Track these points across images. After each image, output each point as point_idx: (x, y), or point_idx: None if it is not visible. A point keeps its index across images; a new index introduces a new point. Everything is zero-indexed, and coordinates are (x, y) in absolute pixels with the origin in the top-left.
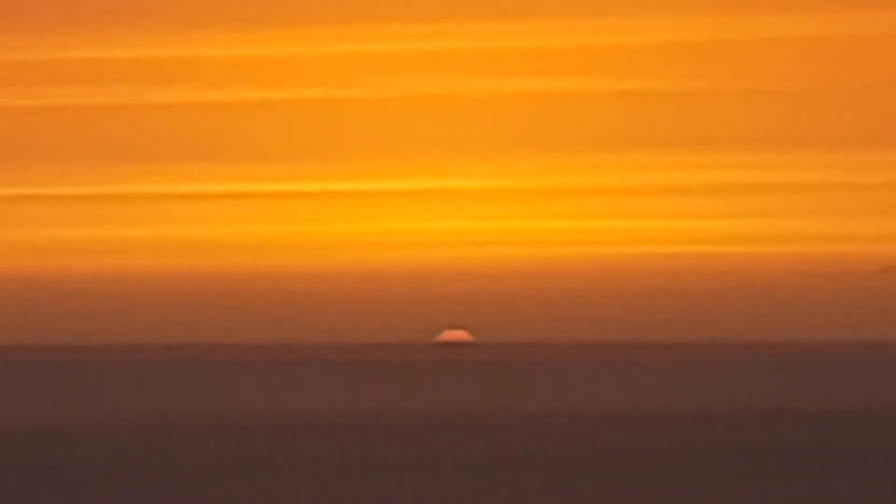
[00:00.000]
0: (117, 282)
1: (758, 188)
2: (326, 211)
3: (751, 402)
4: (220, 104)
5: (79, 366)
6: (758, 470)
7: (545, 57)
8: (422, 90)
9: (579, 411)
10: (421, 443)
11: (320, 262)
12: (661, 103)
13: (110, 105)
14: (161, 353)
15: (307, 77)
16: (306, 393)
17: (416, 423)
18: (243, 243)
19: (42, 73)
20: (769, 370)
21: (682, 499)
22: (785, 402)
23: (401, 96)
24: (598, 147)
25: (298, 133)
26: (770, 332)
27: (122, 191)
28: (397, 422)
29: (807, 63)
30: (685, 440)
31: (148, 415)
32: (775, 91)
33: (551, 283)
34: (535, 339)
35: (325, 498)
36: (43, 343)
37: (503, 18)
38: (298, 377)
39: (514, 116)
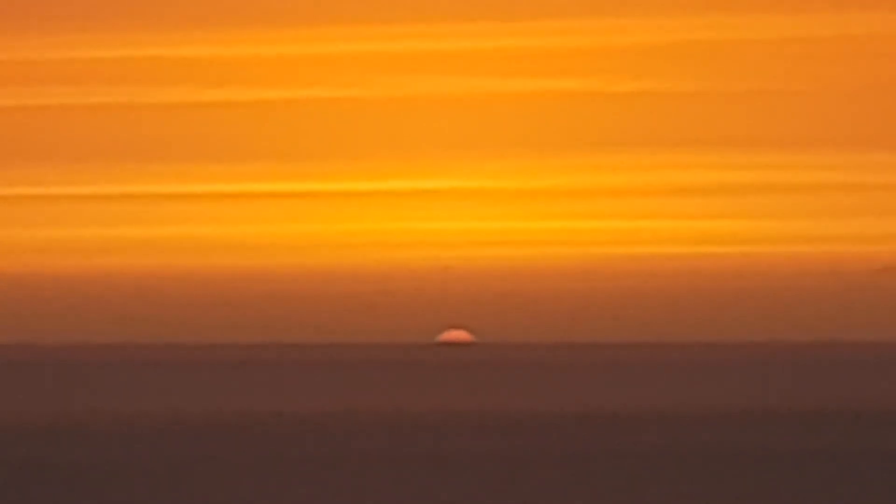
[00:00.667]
0: (119, 282)
1: (760, 188)
2: (327, 211)
3: (753, 402)
4: (221, 104)
5: (80, 365)
6: (761, 469)
7: (547, 57)
8: (423, 90)
9: (580, 411)
10: (422, 442)
11: (321, 262)
12: (663, 104)
13: (111, 104)
14: (163, 352)
15: (309, 76)
16: (308, 392)
17: (416, 422)
18: (245, 243)
19: (41, 72)
20: (770, 370)
21: (685, 498)
22: (786, 401)
23: (402, 96)
24: (601, 147)
25: (300, 133)
26: (771, 333)
27: (122, 191)
28: (398, 421)
29: (808, 63)
30: (689, 439)
31: (150, 413)
32: (776, 91)
33: (553, 283)
34: (537, 339)
35: (328, 497)
36: (43, 342)
37: (505, 18)
38: (301, 377)
39: (516, 116)
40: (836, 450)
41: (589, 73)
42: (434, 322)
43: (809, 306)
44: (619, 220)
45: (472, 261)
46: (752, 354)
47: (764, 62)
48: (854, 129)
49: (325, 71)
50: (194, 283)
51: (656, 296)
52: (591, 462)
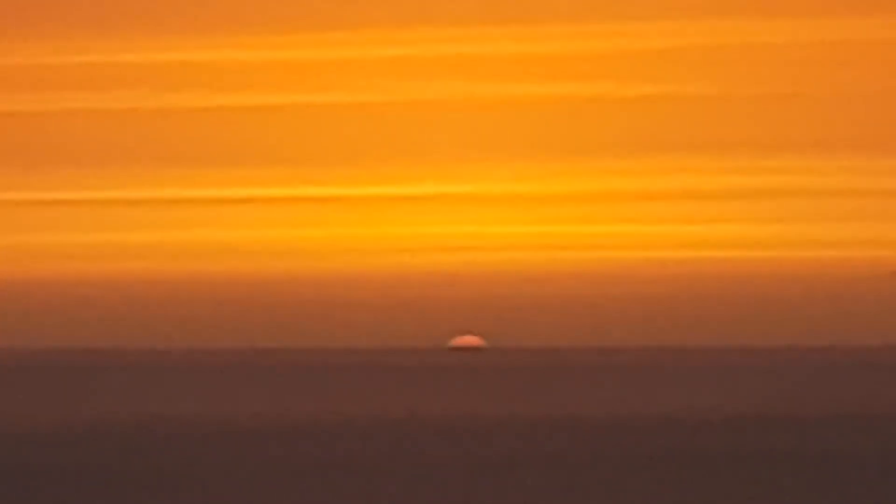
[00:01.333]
0: (128, 286)
1: (769, 193)
2: (337, 216)
3: (765, 406)
4: (227, 108)
5: (84, 368)
6: (765, 473)
7: (555, 61)
8: (431, 94)
9: (590, 415)
10: (434, 446)
11: (332, 267)
12: (671, 108)
13: (119, 109)
14: (169, 357)
15: (316, 81)
16: (320, 397)
17: (428, 426)
18: (254, 248)
19: (49, 77)
20: (779, 374)
21: (692, 501)
22: (792, 405)
23: (410, 100)
24: (609, 151)
25: (308, 137)
26: (779, 337)
27: (130, 195)
28: (410, 425)
29: (816, 68)
30: (703, 442)
31: (157, 417)
32: (783, 95)
33: (563, 287)
34: (547, 343)
35: (337, 502)
36: (48, 347)
37: (511, 23)
38: (310, 382)
39: (525, 121)
40: (843, 454)
41: (597, 78)
42: (445, 326)
43: (817, 311)
44: (628, 225)
45: (483, 265)
46: (763, 358)
47: (771, 66)
48: (862, 133)
49: (333, 76)
50: (203, 288)
51: (665, 300)
52: (601, 465)
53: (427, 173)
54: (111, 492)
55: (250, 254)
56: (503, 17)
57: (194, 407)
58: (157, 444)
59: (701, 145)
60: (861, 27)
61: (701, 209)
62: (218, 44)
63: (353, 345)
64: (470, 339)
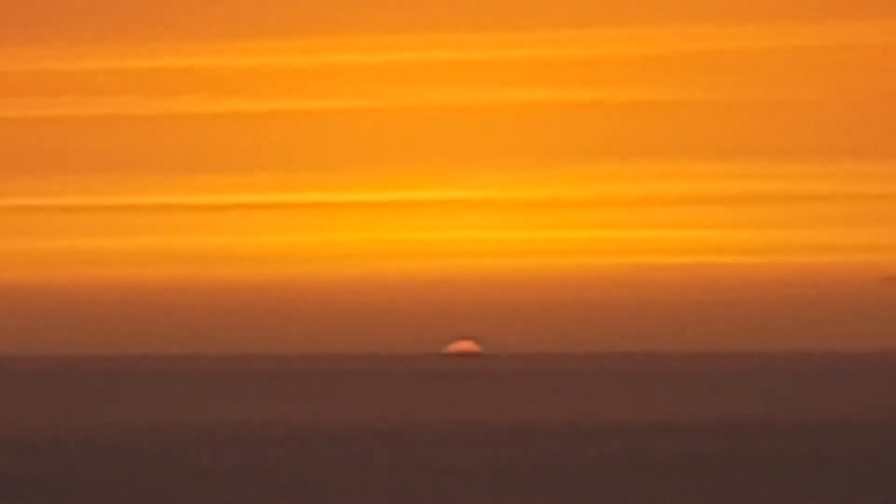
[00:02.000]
0: (122, 292)
1: (766, 198)
2: (335, 221)
3: (755, 413)
4: (228, 115)
5: (82, 376)
6: (764, 480)
7: (554, 67)
8: (431, 101)
9: (588, 421)
10: (430, 453)
11: (326, 272)
12: (667, 113)
13: (115, 115)
14: (167, 363)
15: (314, 88)
16: (314, 404)
17: (424, 433)
18: (251, 254)
19: (47, 83)
20: (773, 381)
21: None
22: (787, 412)
23: (409, 107)
24: (607, 157)
25: (307, 144)
26: (772, 343)
27: (128, 202)
28: (406, 432)
29: (811, 74)
30: (697, 449)
31: (154, 426)
32: (781, 101)
33: (559, 292)
34: (544, 349)
35: None
36: (46, 353)
37: (511, 29)
38: (306, 388)
39: (523, 127)
40: (839, 460)
41: (595, 84)
42: (442, 332)
43: (811, 316)
44: (626, 231)
45: (479, 270)
46: (756, 364)
47: (769, 72)
48: (857, 139)
49: (334, 81)
50: (202, 294)
51: (663, 305)
52: (599, 471)
53: (423, 179)
54: (110, 499)
55: (244, 259)
56: (500, 23)
57: (189, 413)
58: (152, 450)
59: (696, 151)
60: (856, 33)
61: (698, 214)
62: (214, 50)
63: (347, 350)
64: (466, 345)
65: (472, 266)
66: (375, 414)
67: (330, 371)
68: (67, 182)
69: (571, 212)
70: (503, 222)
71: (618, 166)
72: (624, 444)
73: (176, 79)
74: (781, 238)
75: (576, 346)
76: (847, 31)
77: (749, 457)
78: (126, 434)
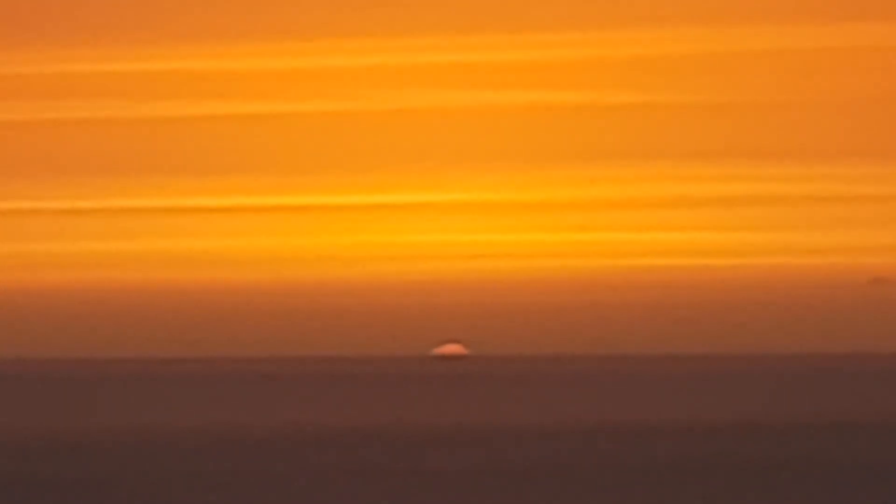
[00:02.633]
0: (117, 296)
1: (751, 200)
2: (322, 224)
3: (744, 415)
4: (216, 118)
5: (75, 380)
6: (757, 482)
7: (540, 70)
8: (421, 103)
9: (576, 424)
10: (417, 456)
11: (315, 275)
12: (660, 116)
13: (108, 119)
14: (159, 367)
15: (303, 90)
16: (301, 406)
17: (411, 436)
18: (240, 257)
19: (39, 86)
20: (761, 382)
21: None
22: (779, 414)
23: (395, 109)
24: (597, 160)
25: (294, 146)
26: (761, 345)
27: (119, 205)
28: (393, 435)
29: (800, 75)
30: (680, 452)
31: (148, 429)
32: (769, 104)
33: (548, 295)
34: (531, 351)
35: None
36: (41, 357)
37: (497, 31)
38: (294, 391)
39: (510, 129)
40: (827, 461)
41: (586, 86)
42: (428, 334)
43: (800, 318)
44: (615, 233)
45: (468, 273)
46: (744, 366)
47: (759, 74)
48: (846, 141)
49: (322, 84)
50: (190, 298)
51: (651, 307)
52: (586, 474)
53: (413, 182)
54: (109, 502)
55: (235, 262)
56: (493, 26)
57: (180, 417)
58: (148, 454)
59: (687, 153)
60: (845, 35)
61: (690, 217)
62: (207, 54)
63: (335, 353)
64: (453, 348)
65: (461, 269)
66: (363, 416)
67: (318, 374)
68: (61, 185)
69: (561, 214)
70: (493, 225)
71: (609, 169)
72: (613, 447)
73: (168, 82)
74: (774, 240)
75: (564, 349)
76: (840, 33)
77: (742, 459)
78: (121, 437)
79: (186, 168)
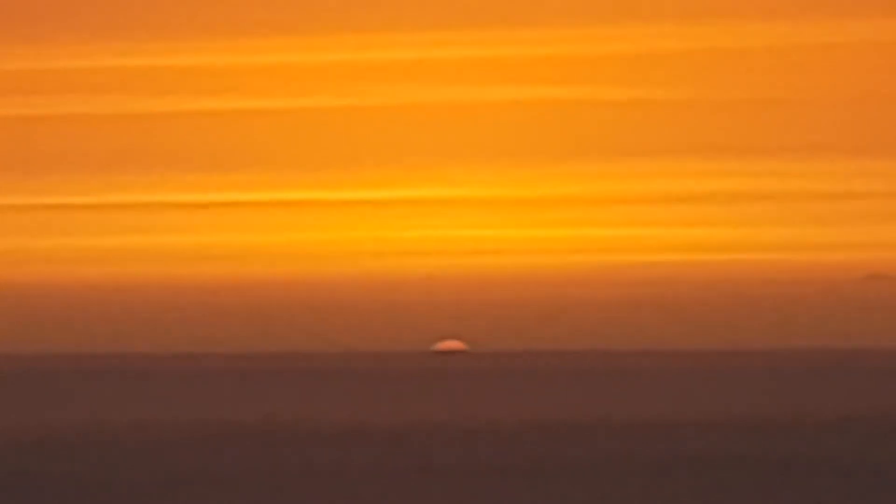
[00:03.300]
0: (117, 290)
1: (748, 196)
2: (324, 220)
3: (743, 410)
4: (219, 113)
5: (79, 373)
6: (749, 478)
7: (543, 66)
8: (420, 99)
9: (576, 419)
10: (417, 452)
11: (316, 270)
12: (659, 112)
13: (106, 114)
14: (159, 362)
15: (306, 86)
16: (300, 401)
17: (412, 431)
18: (241, 252)
19: (41, 82)
20: (759, 378)
21: None
22: (771, 410)
23: (398, 105)
24: (596, 156)
25: (297, 142)
26: (759, 340)
27: (116, 200)
28: (393, 431)
29: (801, 72)
30: (681, 448)
31: (149, 424)
32: (768, 100)
33: (547, 290)
34: (531, 347)
35: None
36: (36, 352)
37: (501, 28)
38: (294, 386)
39: (511, 125)
40: (825, 457)
41: (585, 82)
42: (429, 330)
43: (797, 313)
44: (614, 228)
45: (468, 268)
46: (742, 361)
47: (758, 71)
48: (843, 137)
49: (324, 80)
50: (192, 292)
51: (650, 303)
52: (587, 470)
53: (412, 178)
54: (103, 497)
55: (235, 258)
56: (490, 22)
57: (182, 412)
58: (147, 450)
59: (686, 149)
60: (844, 31)
61: (688, 212)
62: (203, 49)
63: (333, 348)
64: (452, 343)
65: (459, 264)
66: (362, 412)
67: (315, 369)
68: (56, 181)
69: (559, 210)
70: (492, 220)
71: (609, 165)
72: (614, 443)
73: (165, 78)
74: (771, 236)
75: (563, 344)
76: (841, 29)
77: (739, 455)
78: (117, 432)
79: (190, 164)
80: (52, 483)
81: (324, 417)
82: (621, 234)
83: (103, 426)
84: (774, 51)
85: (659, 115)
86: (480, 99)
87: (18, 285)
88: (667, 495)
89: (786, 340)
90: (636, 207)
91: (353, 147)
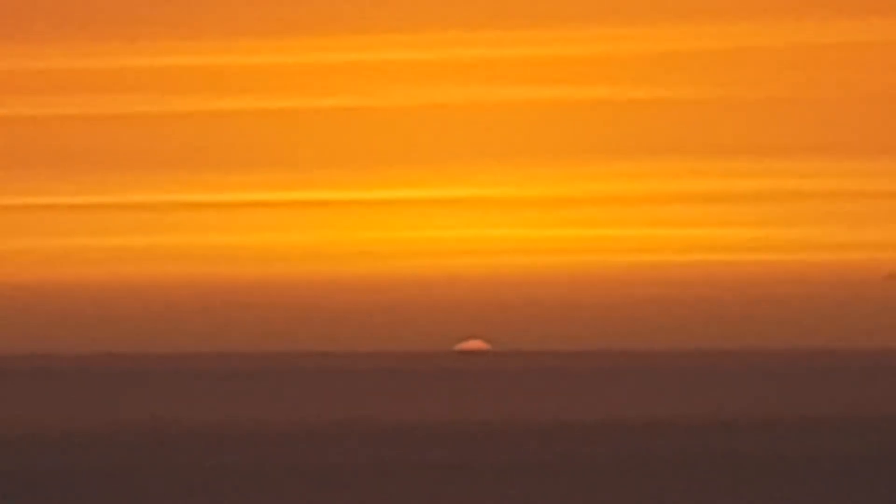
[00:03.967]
0: (130, 290)
1: (766, 196)
2: (343, 219)
3: (759, 411)
4: (233, 113)
5: (87, 374)
6: (765, 478)
7: (554, 65)
8: (435, 99)
9: (597, 419)
10: (440, 452)
11: (336, 270)
12: (672, 111)
13: (121, 114)
14: (172, 362)
15: (321, 86)
16: (323, 401)
17: (434, 432)
18: (262, 253)
19: (48, 81)
20: (777, 378)
21: None
22: (790, 410)
23: (414, 105)
24: (612, 155)
25: (315, 142)
26: (775, 341)
27: (131, 200)
28: (415, 431)
29: (811, 71)
30: (698, 447)
31: (159, 424)
32: (784, 99)
33: (568, 291)
34: (553, 347)
35: None
36: (51, 352)
37: (515, 27)
38: (316, 385)
39: (527, 125)
40: (841, 458)
41: (598, 82)
42: (450, 330)
43: (814, 314)
44: (634, 229)
45: (488, 269)
46: (759, 362)
47: (773, 70)
48: (857, 136)
49: (340, 79)
50: (210, 293)
51: (671, 302)
52: (608, 469)
53: (430, 177)
54: (111, 497)
55: (252, 258)
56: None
57: (200, 412)
58: (156, 449)
59: (702, 148)
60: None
61: (702, 212)
62: (219, 48)
63: (355, 348)
64: (475, 343)
65: (479, 264)
66: (384, 412)
67: (337, 369)
68: (73, 180)
69: (578, 209)
70: (510, 220)
71: (622, 164)
72: (633, 442)
73: (176, 77)
74: (789, 236)
75: (584, 344)
76: (849, 28)
77: (757, 455)
78: (130, 432)
79: (205, 163)
80: (61, 482)
81: (346, 417)
82: (641, 233)
83: (116, 426)
84: (797, 49)
85: (676, 115)
86: (498, 98)
87: (35, 285)
88: (691, 494)
89: (804, 341)
90: (654, 207)
91: (371, 147)
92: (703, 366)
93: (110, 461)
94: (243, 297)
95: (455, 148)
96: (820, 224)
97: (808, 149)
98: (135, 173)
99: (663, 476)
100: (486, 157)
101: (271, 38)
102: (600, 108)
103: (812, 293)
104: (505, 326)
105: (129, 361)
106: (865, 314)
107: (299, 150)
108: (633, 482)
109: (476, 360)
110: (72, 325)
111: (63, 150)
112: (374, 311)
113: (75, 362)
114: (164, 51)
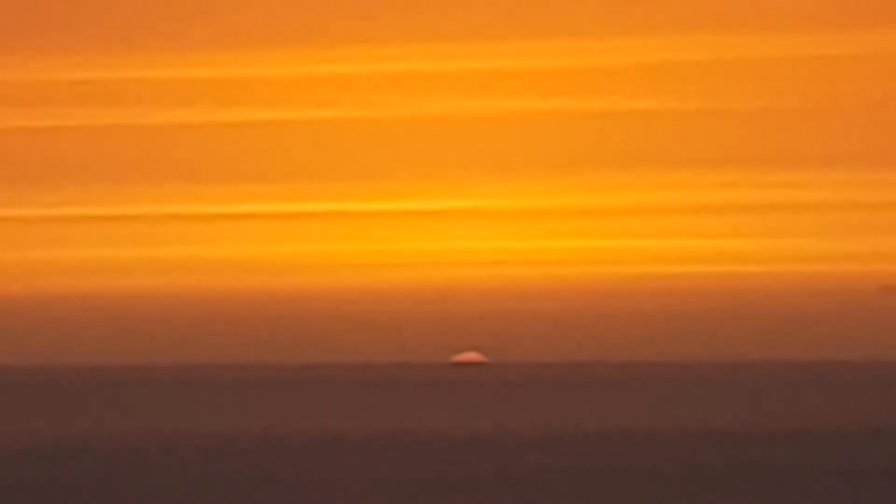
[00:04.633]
0: (134, 301)
1: (760, 207)
2: (341, 231)
3: (755, 421)
4: (235, 125)
5: (92, 385)
6: (760, 487)
7: (556, 78)
8: (436, 111)
9: (592, 430)
10: (437, 462)
11: (334, 282)
12: (672, 123)
13: (124, 126)
14: (176, 372)
15: (322, 98)
16: (321, 412)
17: (431, 442)
18: (260, 264)
19: (52, 93)
20: (771, 388)
21: None
22: (785, 420)
23: (410, 116)
24: (610, 167)
25: (313, 153)
26: (771, 351)
27: (133, 212)
28: (412, 441)
29: (810, 83)
30: (694, 457)
31: (164, 433)
32: (779, 110)
33: (564, 302)
34: (548, 359)
35: None
36: (54, 363)
37: (513, 40)
38: (314, 396)
39: (526, 137)
40: (835, 467)
41: (597, 94)
42: (448, 342)
43: (812, 324)
44: (629, 240)
45: (486, 280)
46: (754, 372)
47: (770, 81)
48: (855, 148)
49: (341, 91)
50: (210, 303)
51: (667, 315)
52: (602, 479)
53: (428, 189)
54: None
55: (253, 269)
56: (503, 34)
57: (203, 422)
58: (155, 460)
59: (700, 160)
60: (854, 42)
61: (700, 224)
62: (223, 61)
63: (353, 359)
64: (472, 355)
65: (476, 276)
66: (382, 422)
67: (336, 379)
68: (68, 192)
69: (575, 221)
70: (508, 232)
71: (620, 176)
72: (629, 452)
73: (181, 90)
74: (783, 247)
75: (580, 356)
76: (856, 40)
77: (753, 464)
78: (135, 441)
79: (206, 175)
80: (57, 491)
81: (344, 427)
82: (638, 245)
83: (119, 435)
84: (795, 62)
85: (675, 127)
86: (494, 110)
87: (40, 296)
88: (684, 503)
89: (798, 351)
90: (654, 219)
91: (367, 158)
92: (702, 377)
93: (113, 470)
94: (241, 308)
95: (451, 159)
96: (814, 236)
97: (805, 160)
98: (135, 185)
99: (658, 486)
100: (482, 168)
101: (268, 50)
102: (597, 119)
103: (807, 304)
104: (505, 338)
105: (131, 373)
106: (858, 326)
107: (299, 163)
108: (629, 491)
109: (472, 372)
110: (79, 335)
111: (63, 162)
112: (371, 322)
113: (80, 373)
114: (163, 63)
